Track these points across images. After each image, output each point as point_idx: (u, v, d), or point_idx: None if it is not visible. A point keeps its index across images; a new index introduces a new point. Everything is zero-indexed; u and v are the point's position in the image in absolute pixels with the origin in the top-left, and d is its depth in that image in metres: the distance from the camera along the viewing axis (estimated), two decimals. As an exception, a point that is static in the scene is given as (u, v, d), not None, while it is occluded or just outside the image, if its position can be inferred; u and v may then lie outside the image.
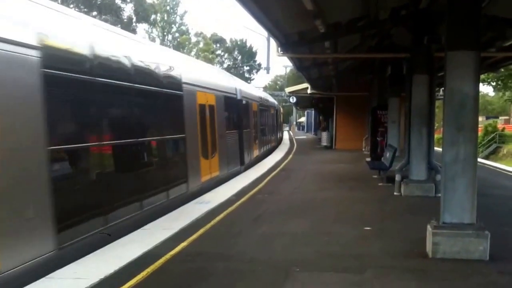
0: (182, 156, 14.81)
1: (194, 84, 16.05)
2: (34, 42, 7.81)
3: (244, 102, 24.22)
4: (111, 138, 10.54)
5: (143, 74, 12.23)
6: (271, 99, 42.81)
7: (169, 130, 13.96)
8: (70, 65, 8.88)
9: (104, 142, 10.19)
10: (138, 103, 11.97)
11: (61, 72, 8.51)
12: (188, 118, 15.25)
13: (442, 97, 10.79)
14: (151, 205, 11.84)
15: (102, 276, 7.55)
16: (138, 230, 10.64)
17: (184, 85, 14.97)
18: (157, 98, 13.04)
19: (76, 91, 9.17)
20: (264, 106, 33.00)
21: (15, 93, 7.46)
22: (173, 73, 14.58)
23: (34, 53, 7.79)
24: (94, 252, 8.80)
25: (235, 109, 22.39)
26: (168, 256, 8.74)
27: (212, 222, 11.57)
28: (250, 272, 7.95)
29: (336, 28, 16.64)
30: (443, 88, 11.55)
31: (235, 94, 22.56)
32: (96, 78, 9.70)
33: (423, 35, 14.96)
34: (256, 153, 27.77)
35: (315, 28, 15.31)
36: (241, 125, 23.26)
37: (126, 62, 11.32)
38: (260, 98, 31.77)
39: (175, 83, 14.47)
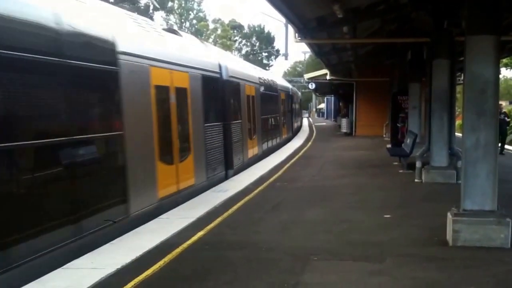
0: (117, 163, 10.15)
1: (143, 56, 11.19)
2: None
3: (234, 83, 18.47)
4: None
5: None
6: (282, 82, 38.77)
7: (93, 126, 9.45)
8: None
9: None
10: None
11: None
12: (132, 107, 10.48)
13: (463, 82, 10.71)
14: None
15: (119, 266, 7.60)
16: (156, 219, 10.68)
17: (121, 57, 10.09)
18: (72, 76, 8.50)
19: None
20: (269, 90, 26.94)
21: None
22: (100, 36, 9.61)
23: None
24: (111, 242, 8.84)
25: (219, 93, 16.85)
26: (185, 245, 8.76)
27: (230, 211, 11.61)
28: (269, 260, 7.95)
29: (355, 13, 16.57)
30: (463, 73, 11.48)
31: (219, 73, 16.85)
32: None
33: (443, 19, 14.86)
34: (254, 151, 22.04)
35: (333, 13, 15.26)
36: (227, 115, 17.63)
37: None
38: (262, 79, 25.50)
39: (101, 53, 9.58)
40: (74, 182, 8.38)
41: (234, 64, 19.96)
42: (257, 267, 7.66)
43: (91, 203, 8.77)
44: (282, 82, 37.36)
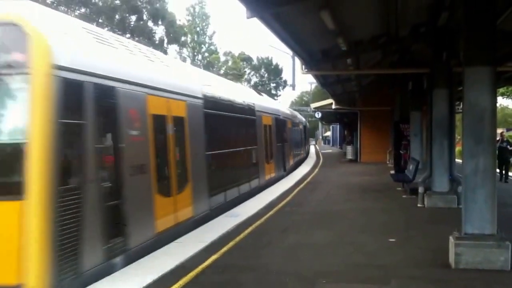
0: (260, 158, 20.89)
1: (262, 111, 22.19)
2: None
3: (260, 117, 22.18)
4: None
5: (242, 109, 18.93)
6: (293, 112, 41.37)
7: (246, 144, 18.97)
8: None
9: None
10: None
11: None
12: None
13: (462, 110, 10.82)
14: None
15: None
16: (172, 243, 10.69)
17: (256, 113, 20.90)
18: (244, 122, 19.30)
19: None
20: (284, 120, 29.15)
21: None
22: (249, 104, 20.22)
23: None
24: (129, 266, 8.84)
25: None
26: (199, 268, 8.74)
27: (242, 235, 11.59)
28: (278, 283, 7.95)
29: (358, 45, 16.72)
30: (462, 102, 11.55)
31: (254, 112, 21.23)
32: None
33: (442, 51, 15.00)
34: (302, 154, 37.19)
35: (338, 45, 15.40)
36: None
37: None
38: (281, 112, 28.83)
39: (251, 111, 20.23)
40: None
41: (263, 104, 24.24)
42: (268, 290, 7.66)
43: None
44: (293, 112, 39.96)
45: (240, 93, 20.40)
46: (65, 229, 7.31)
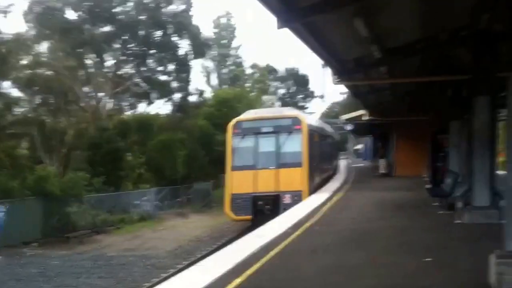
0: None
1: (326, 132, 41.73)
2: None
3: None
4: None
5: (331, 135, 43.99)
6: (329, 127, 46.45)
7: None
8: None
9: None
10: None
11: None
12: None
13: (506, 118, 10.64)
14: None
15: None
16: (193, 266, 10.65)
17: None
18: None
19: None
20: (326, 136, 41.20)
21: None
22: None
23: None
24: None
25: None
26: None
27: (268, 256, 11.42)
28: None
29: (393, 53, 16.57)
30: (507, 109, 11.30)
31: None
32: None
33: (483, 55, 14.76)
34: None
35: (371, 54, 15.30)
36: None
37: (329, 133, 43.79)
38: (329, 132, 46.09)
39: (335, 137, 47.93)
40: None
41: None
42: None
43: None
44: (324, 125, 45.34)
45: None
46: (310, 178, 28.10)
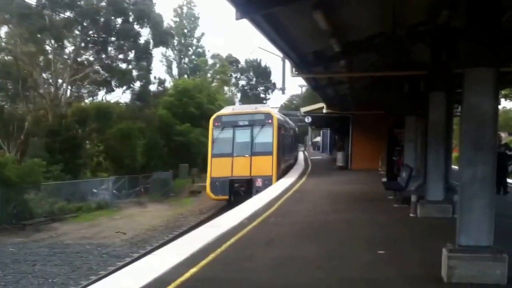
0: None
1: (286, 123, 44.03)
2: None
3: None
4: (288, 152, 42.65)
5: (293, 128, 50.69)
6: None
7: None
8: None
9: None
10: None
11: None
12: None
13: (460, 114, 10.73)
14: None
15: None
16: (149, 256, 10.54)
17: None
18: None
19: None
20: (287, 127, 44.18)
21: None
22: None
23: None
24: (105, 279, 8.71)
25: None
26: (178, 282, 8.52)
27: (223, 247, 11.33)
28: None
29: (352, 47, 16.54)
30: (461, 105, 11.34)
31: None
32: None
33: (441, 51, 14.78)
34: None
35: (331, 47, 15.24)
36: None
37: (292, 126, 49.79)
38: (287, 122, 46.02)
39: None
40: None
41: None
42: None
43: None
44: (285, 118, 47.87)
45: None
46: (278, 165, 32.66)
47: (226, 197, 32.37)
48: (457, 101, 22.51)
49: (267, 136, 33.05)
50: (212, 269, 9.49)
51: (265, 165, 32.23)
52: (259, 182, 31.65)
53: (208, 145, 34.36)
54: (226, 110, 37.28)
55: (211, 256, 10.42)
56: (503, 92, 44.52)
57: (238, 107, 41.88)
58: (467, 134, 8.57)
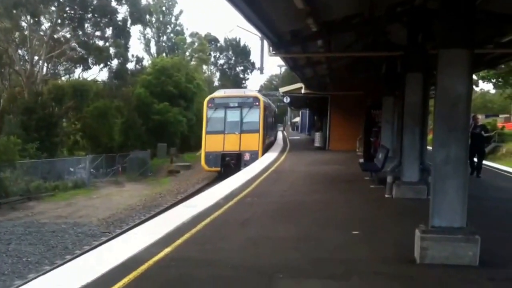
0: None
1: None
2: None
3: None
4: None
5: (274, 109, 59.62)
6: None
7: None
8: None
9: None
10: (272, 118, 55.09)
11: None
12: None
13: (434, 96, 10.83)
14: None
15: (83, 283, 7.37)
16: (124, 235, 10.53)
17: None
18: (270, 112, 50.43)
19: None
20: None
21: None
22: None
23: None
24: (73, 260, 8.67)
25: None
26: (151, 262, 8.51)
27: (199, 226, 11.34)
28: (233, 278, 7.81)
29: (329, 27, 16.50)
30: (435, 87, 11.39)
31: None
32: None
33: (418, 32, 14.84)
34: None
35: (308, 26, 15.18)
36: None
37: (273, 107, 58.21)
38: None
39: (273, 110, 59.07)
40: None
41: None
42: (221, 285, 7.55)
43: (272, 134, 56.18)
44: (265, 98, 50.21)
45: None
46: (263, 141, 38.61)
47: (218, 169, 37.29)
48: (434, 83, 22.53)
49: (254, 116, 38.60)
50: (186, 249, 9.52)
51: (252, 141, 37.76)
52: (247, 156, 36.98)
53: (202, 124, 39.47)
54: (219, 93, 42.69)
55: (186, 236, 10.43)
56: (481, 74, 44.84)
57: (229, 91, 44.76)
58: (441, 115, 8.65)
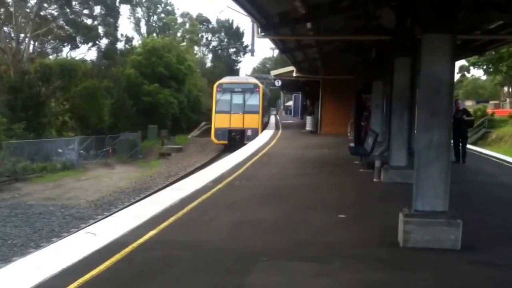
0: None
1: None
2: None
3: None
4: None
5: (268, 94, 71.56)
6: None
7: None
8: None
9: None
10: (267, 101, 67.29)
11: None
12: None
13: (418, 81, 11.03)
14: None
15: (64, 266, 7.42)
16: (110, 217, 10.61)
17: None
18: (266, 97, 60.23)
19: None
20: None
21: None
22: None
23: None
24: (58, 242, 8.75)
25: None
26: (135, 244, 8.61)
27: (185, 209, 11.46)
28: (216, 261, 7.92)
29: (318, 9, 16.56)
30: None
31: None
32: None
33: (406, 17, 14.94)
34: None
35: (296, 9, 15.25)
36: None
37: (268, 92, 68.82)
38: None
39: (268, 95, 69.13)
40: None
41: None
42: (204, 268, 7.63)
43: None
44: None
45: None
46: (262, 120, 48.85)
47: (226, 142, 46.81)
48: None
49: (255, 100, 47.81)
50: (171, 232, 9.64)
51: (253, 120, 46.86)
52: (249, 132, 45.60)
53: (212, 105, 50.01)
54: (226, 79, 52.00)
55: (172, 218, 10.55)
56: (471, 60, 45.03)
57: (234, 78, 57.26)
58: (424, 100, 8.85)
